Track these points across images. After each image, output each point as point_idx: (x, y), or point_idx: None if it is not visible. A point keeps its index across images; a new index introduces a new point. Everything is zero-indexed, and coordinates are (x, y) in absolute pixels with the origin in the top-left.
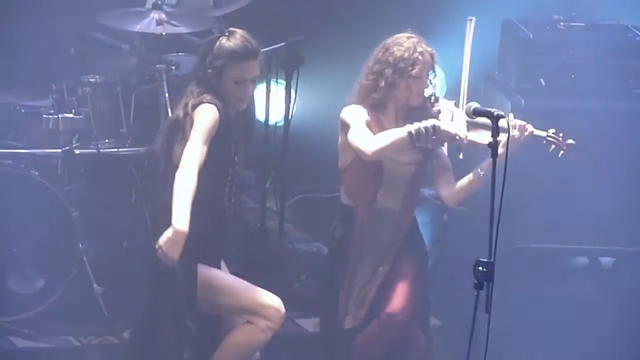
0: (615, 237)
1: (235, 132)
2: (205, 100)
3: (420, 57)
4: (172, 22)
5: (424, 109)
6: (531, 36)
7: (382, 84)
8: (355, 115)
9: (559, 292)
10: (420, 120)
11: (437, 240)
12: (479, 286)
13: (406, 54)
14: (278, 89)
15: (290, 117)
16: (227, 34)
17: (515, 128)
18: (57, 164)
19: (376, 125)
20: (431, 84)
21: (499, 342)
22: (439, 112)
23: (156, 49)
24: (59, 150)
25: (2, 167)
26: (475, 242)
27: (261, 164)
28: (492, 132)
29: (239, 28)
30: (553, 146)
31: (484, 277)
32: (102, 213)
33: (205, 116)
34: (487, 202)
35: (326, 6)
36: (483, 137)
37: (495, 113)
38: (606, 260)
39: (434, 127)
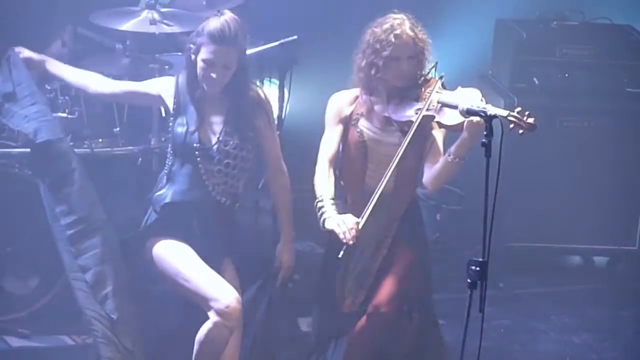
0: (609, 236)
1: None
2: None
3: (393, 40)
4: (165, 21)
5: (411, 90)
6: (524, 35)
7: (363, 63)
8: (328, 116)
9: (551, 290)
10: (405, 101)
11: (430, 239)
12: (472, 285)
13: (382, 35)
14: (271, 88)
15: (283, 116)
16: (218, 14)
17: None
18: None
19: (365, 107)
20: (419, 65)
21: (493, 341)
22: (418, 94)
23: (149, 48)
24: None
25: None
26: (469, 242)
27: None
28: (486, 131)
29: None
30: (512, 125)
31: (478, 276)
32: None
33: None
34: (480, 201)
35: (320, 6)
36: (450, 118)
37: (489, 113)
38: (600, 260)
39: (322, 216)
